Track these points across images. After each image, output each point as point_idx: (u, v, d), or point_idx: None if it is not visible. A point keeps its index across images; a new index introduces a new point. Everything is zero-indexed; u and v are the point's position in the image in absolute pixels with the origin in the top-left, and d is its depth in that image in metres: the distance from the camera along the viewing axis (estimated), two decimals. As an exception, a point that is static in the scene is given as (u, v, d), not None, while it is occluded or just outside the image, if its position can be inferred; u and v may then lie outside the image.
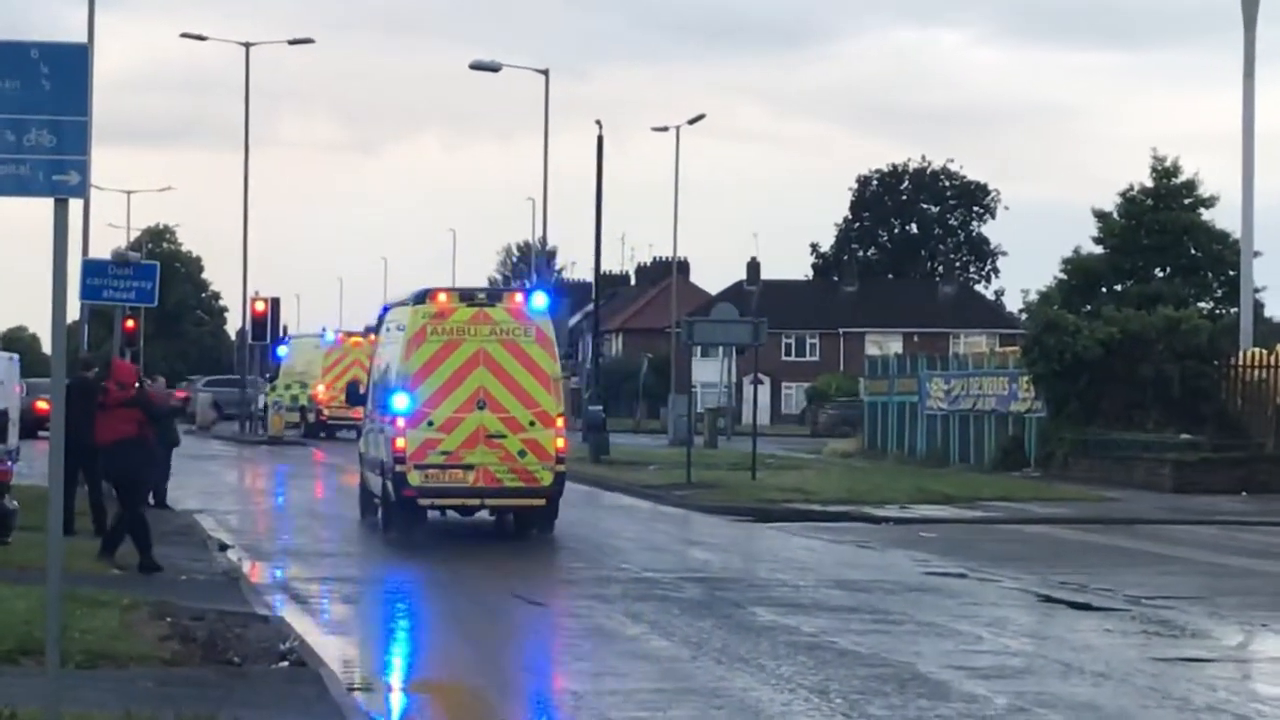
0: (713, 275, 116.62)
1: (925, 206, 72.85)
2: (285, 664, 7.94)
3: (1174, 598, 11.60)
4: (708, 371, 50.28)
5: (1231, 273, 33.33)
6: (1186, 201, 36.66)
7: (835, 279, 68.35)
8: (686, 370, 39.32)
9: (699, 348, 30.15)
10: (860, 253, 71.53)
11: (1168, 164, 36.67)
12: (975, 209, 72.95)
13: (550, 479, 14.65)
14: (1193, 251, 36.46)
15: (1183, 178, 36.74)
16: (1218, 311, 33.38)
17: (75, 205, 6.58)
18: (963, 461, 28.84)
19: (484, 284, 72.11)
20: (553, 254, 62.99)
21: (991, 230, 72.98)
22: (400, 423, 14.54)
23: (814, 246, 73.19)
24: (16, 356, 19.90)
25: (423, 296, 14.89)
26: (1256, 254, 29.41)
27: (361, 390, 17.40)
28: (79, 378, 13.25)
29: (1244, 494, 22.25)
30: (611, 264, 73.50)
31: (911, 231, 72.84)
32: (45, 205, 6.30)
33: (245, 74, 38.06)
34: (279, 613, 9.83)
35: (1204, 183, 36.92)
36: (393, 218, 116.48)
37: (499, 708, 7.73)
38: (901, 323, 62.51)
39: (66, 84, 6.22)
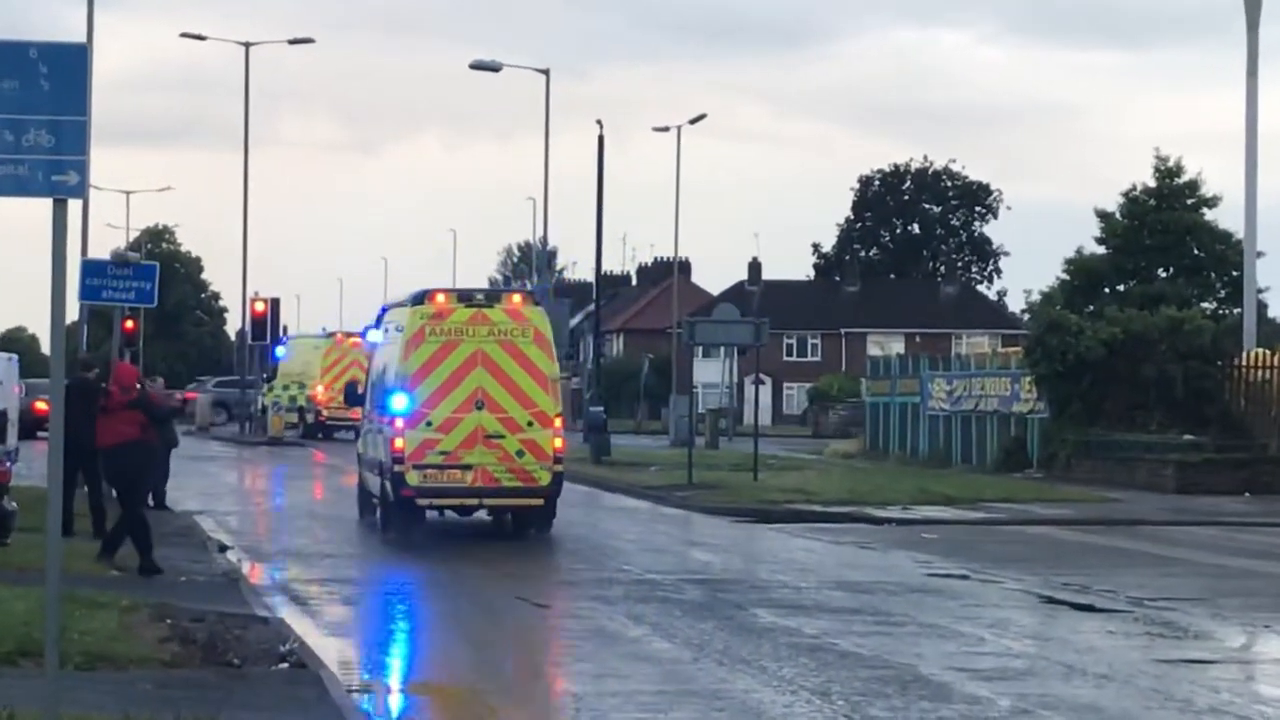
0: (714, 275, 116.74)
1: (927, 206, 72.81)
2: (285, 666, 7.92)
3: (1177, 599, 11.58)
4: (709, 372, 50.26)
5: (1235, 273, 33.26)
6: (1189, 201, 36.59)
7: (837, 279, 68.32)
8: (688, 371, 39.30)
9: (700, 348, 30.14)
10: (862, 253, 71.49)
11: (1170, 164, 36.60)
12: (977, 209, 72.91)
13: (548, 479, 14.72)
14: (1196, 252, 36.39)
15: (1186, 177, 36.67)
16: (1221, 312, 33.34)
17: (74, 205, 6.56)
18: (965, 462, 28.81)
19: (484, 284, 72.23)
20: (553, 254, 63.00)
21: (994, 230, 73.06)
22: (399, 423, 14.60)
23: (816, 246, 73.23)
24: (15, 357, 19.87)
25: (421, 297, 14.95)
26: (1260, 254, 29.35)
27: (360, 391, 17.43)
28: (79, 378, 13.23)
29: (1247, 495, 22.21)
30: (612, 264, 73.70)
31: (913, 231, 72.80)
32: (44, 205, 6.28)
33: (245, 74, 38.11)
34: (279, 614, 9.81)
35: (1207, 182, 36.87)
36: (393, 218, 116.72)
37: (500, 710, 7.71)
38: (903, 323, 62.47)
39: (65, 84, 6.21)
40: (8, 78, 6.19)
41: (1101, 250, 37.01)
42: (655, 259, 71.86)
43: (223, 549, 13.47)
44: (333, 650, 8.82)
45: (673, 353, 48.17)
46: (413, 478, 14.55)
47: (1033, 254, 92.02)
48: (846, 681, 8.06)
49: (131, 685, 7.18)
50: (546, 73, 34.03)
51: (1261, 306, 30.64)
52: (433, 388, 14.59)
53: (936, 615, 10.45)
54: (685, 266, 61.96)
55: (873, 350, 54.63)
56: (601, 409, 30.43)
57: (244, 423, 38.53)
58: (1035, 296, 38.84)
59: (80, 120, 6.23)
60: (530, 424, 14.63)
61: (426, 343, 14.67)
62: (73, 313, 18.72)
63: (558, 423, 14.88)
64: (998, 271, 72.74)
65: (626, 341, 68.45)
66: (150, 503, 14.16)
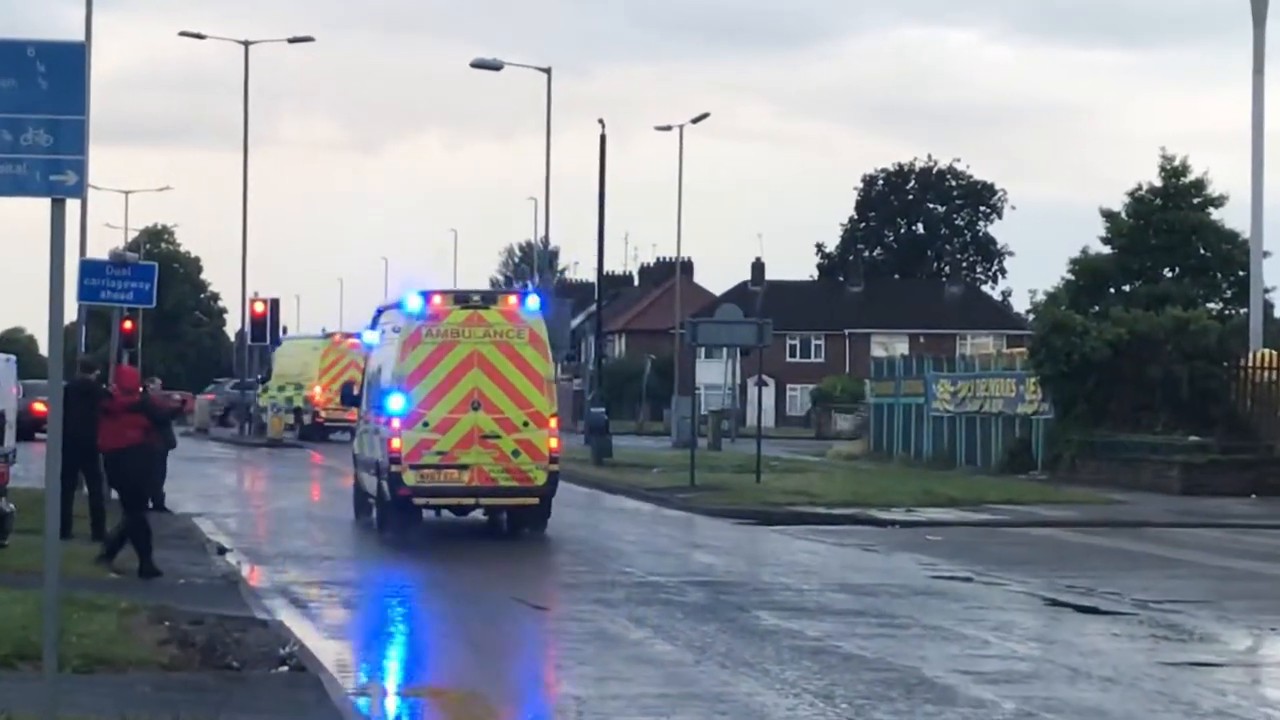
0: (717, 276, 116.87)
1: (931, 206, 72.75)
2: (285, 669, 7.89)
3: (1182, 601, 11.53)
4: (712, 373, 50.26)
5: (1241, 273, 33.22)
6: (1195, 201, 36.51)
7: (841, 279, 68.29)
8: (690, 372, 39.29)
9: (703, 349, 30.14)
10: (866, 253, 71.44)
11: (1176, 163, 36.53)
12: (982, 209, 72.84)
13: (544, 479, 14.89)
14: (1202, 251, 36.32)
15: (1191, 177, 36.60)
16: (1227, 312, 33.29)
17: (73, 205, 6.53)
18: (969, 464, 28.75)
19: (486, 284, 72.23)
20: (555, 254, 62.95)
21: (998, 230, 72.99)
22: (395, 423, 14.74)
23: (819, 247, 73.22)
24: (14, 358, 19.80)
25: (414, 297, 15.06)
26: (1266, 254, 29.31)
27: (356, 392, 17.49)
28: (80, 379, 13.20)
29: (1253, 496, 22.14)
30: (614, 264, 73.71)
31: (918, 231, 72.74)
32: (42, 205, 6.25)
33: (244, 73, 38.10)
34: (278, 617, 9.77)
35: (1213, 182, 36.82)
36: (393, 218, 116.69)
37: (500, 713, 7.67)
38: (907, 324, 62.41)
39: (64, 83, 6.19)
40: (5, 77, 6.17)
41: (1107, 250, 36.95)
42: (657, 259, 71.86)
43: (222, 551, 13.44)
44: (332, 653, 8.78)
45: (675, 354, 48.14)
46: (410, 477, 14.69)
47: (1038, 254, 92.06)
48: (850, 684, 8.01)
49: (130, 688, 7.15)
50: (548, 72, 34.03)
51: (1268, 306, 30.54)
52: (429, 388, 14.74)
53: (940, 618, 10.40)
54: (688, 267, 61.98)
55: (877, 351, 54.59)
56: (603, 410, 30.41)
57: (243, 424, 38.49)
58: (1040, 297, 38.74)
59: (79, 119, 6.20)
60: (526, 424, 14.78)
61: (423, 344, 14.81)
62: (71, 313, 18.72)
63: (553, 423, 15.02)
64: (1002, 272, 72.78)
65: (628, 342, 68.44)
66: (149, 505, 14.11)
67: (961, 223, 73.01)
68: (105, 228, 55.78)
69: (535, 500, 15.04)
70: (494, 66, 33.61)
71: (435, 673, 8.71)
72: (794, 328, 61.43)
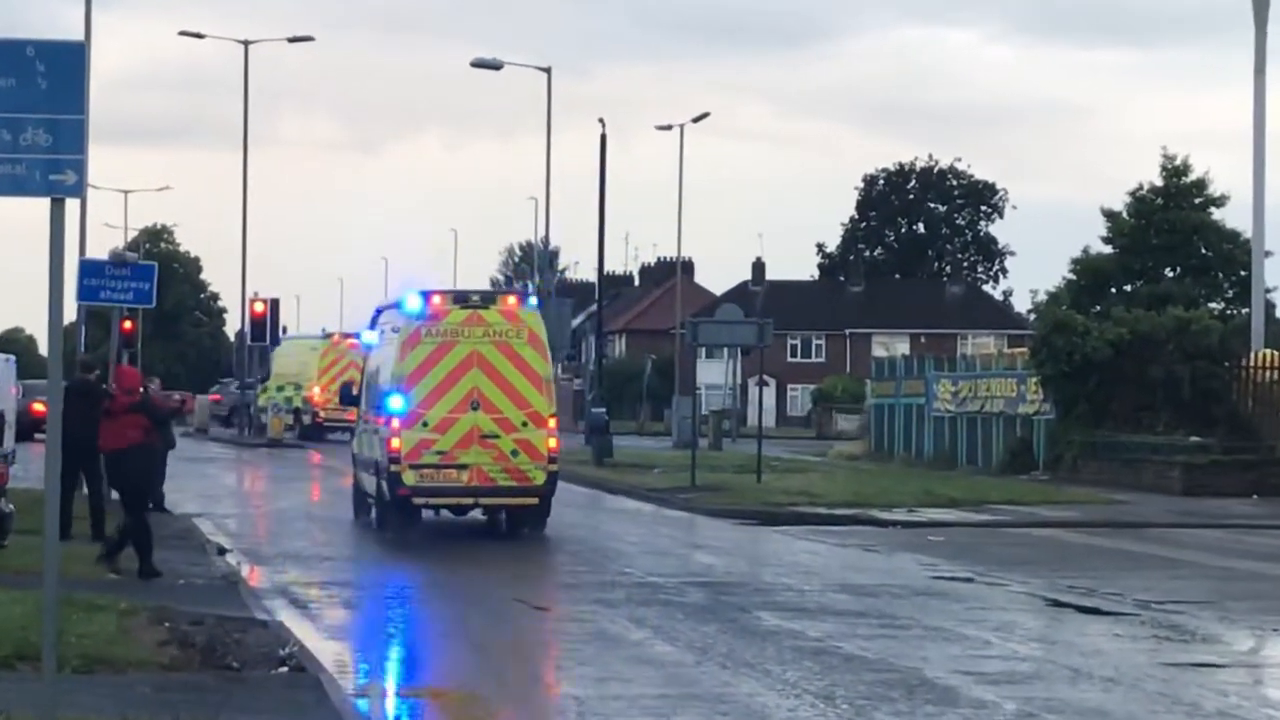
0: (717, 275, 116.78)
1: (932, 206, 72.73)
2: (285, 669, 7.88)
3: (1184, 602, 11.51)
4: (712, 373, 50.23)
5: (1243, 273, 33.20)
6: (1197, 201, 36.49)
7: (841, 279, 68.27)
8: (691, 372, 39.25)
9: (703, 349, 30.05)
10: (867, 253, 71.42)
11: (1177, 163, 36.51)
12: (983, 208, 72.82)
13: (543, 478, 14.95)
14: (1203, 251, 36.29)
15: (1193, 176, 36.58)
16: (1229, 312, 33.25)
17: (72, 205, 6.52)
18: (970, 464, 28.72)
19: (486, 284, 72.18)
20: (555, 254, 62.89)
21: (999, 230, 72.96)
22: (395, 423, 14.79)
23: (820, 246, 73.20)
24: (13, 358, 19.80)
25: (412, 297, 15.12)
26: (1268, 253, 29.29)
27: (355, 392, 17.53)
28: (80, 379, 13.18)
29: (1255, 497, 22.11)
30: (615, 264, 73.65)
31: (918, 231, 72.73)
32: (42, 205, 6.24)
33: (244, 72, 38.07)
34: (278, 618, 9.76)
35: (1214, 181, 36.80)
36: (393, 217, 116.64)
37: (500, 713, 7.65)
38: (908, 324, 62.39)
39: (63, 82, 6.18)
40: (5, 76, 6.17)
41: (1108, 250, 36.92)
42: (658, 259, 71.85)
43: (222, 552, 13.42)
44: (332, 654, 8.76)
45: (675, 354, 48.11)
46: (409, 477, 14.75)
47: (1039, 254, 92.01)
48: (851, 685, 8.00)
49: (130, 689, 7.14)
50: (548, 71, 34.01)
51: (1269, 306, 30.51)
52: (429, 388, 14.80)
53: (942, 618, 10.38)
54: (688, 266, 61.94)
55: (877, 351, 54.58)
56: (604, 410, 30.40)
57: (243, 425, 38.47)
58: (1041, 297, 38.73)
59: (78, 119, 6.20)
60: (525, 424, 14.83)
61: (422, 344, 14.88)
62: (70, 313, 18.71)
63: (552, 423, 15.08)
64: (1003, 271, 72.74)
65: (629, 342, 68.43)
66: (150, 505, 14.09)
67: (962, 222, 72.99)
68: (105, 227, 55.84)
69: (534, 500, 15.10)
70: (494, 66, 33.59)
71: (435, 673, 8.69)
72: (795, 328, 61.41)
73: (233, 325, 56.05)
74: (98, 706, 6.61)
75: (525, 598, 11.33)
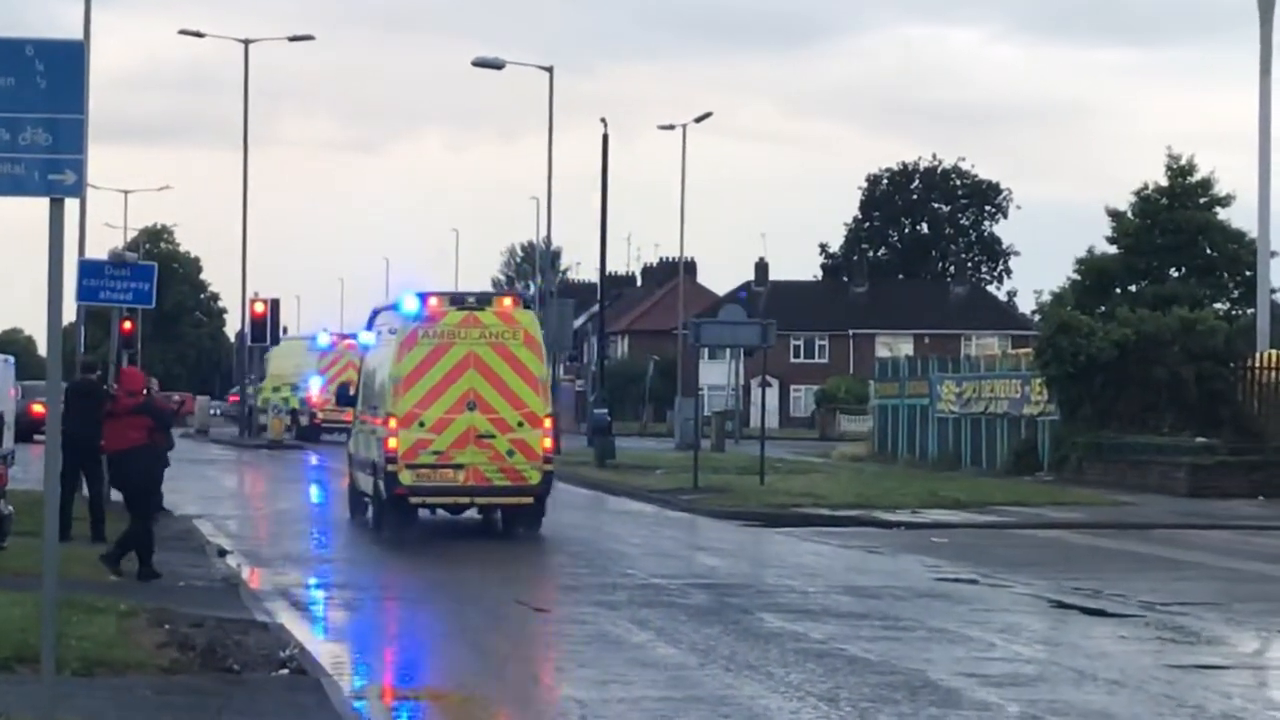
0: (720, 276, 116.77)
1: (936, 206, 72.69)
2: (285, 672, 7.85)
3: (1189, 604, 11.46)
4: (715, 374, 50.22)
5: (1248, 273, 33.04)
6: (1202, 200, 36.36)
7: (845, 280, 68.24)
8: (693, 373, 39.28)
9: (706, 350, 30.03)
10: (870, 253, 71.39)
11: (1183, 162, 36.39)
12: (987, 208, 72.76)
13: (538, 478, 15.05)
14: (1208, 251, 36.17)
15: (1198, 176, 36.45)
16: (1234, 312, 33.11)
17: (71, 205, 6.50)
18: (974, 465, 28.67)
19: (488, 285, 72.20)
20: (557, 254, 62.89)
21: (1003, 230, 72.94)
22: (392, 423, 14.88)
23: (823, 247, 73.18)
24: (12, 359, 19.78)
25: (409, 299, 15.26)
26: (1273, 254, 29.22)
27: (351, 392, 17.58)
28: (81, 379, 13.16)
29: (1260, 498, 22.04)
30: (617, 264, 73.69)
31: (922, 231, 72.68)
32: (41, 205, 6.22)
33: (244, 71, 38.05)
34: (278, 619, 9.73)
35: (1219, 181, 36.63)
36: (394, 217, 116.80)
37: (501, 715, 7.61)
38: (912, 324, 62.35)
39: (62, 81, 6.16)
40: (4, 75, 6.16)
41: (1113, 250, 36.81)
42: (660, 259, 71.86)
43: (222, 553, 13.40)
44: (332, 656, 8.73)
45: (678, 354, 48.09)
46: (406, 477, 14.87)
47: (1043, 254, 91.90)
48: (854, 687, 7.97)
49: (130, 691, 7.11)
50: (550, 70, 33.94)
51: (1275, 307, 30.38)
52: (426, 389, 14.91)
53: (946, 620, 10.34)
54: (691, 267, 61.87)
55: (881, 351, 54.54)
56: (606, 411, 30.36)
57: (242, 426, 38.48)
58: (1046, 297, 38.61)
59: (77, 118, 6.18)
60: (520, 424, 14.95)
61: (419, 345, 15.01)
62: (70, 314, 18.67)
63: (547, 423, 15.23)
64: (1007, 271, 72.68)
65: (631, 343, 68.43)
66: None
67: (966, 222, 72.92)
68: (104, 227, 55.88)
69: (530, 499, 15.20)
70: (496, 65, 33.55)
71: (435, 675, 8.65)
72: (798, 328, 61.39)
73: (233, 326, 56.10)
74: (97, 709, 6.59)
75: (526, 599, 11.30)
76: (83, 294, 13.78)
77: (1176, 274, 36.23)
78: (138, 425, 11.31)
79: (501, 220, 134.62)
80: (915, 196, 72.48)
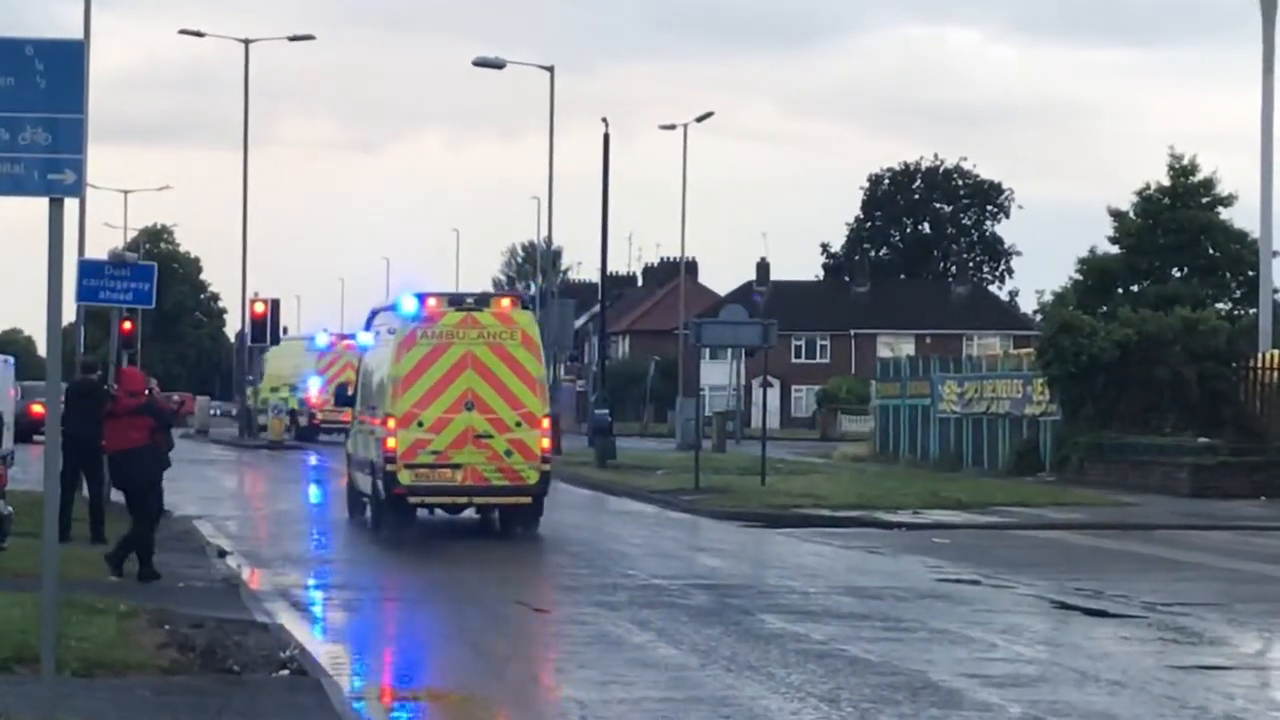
0: (721, 276, 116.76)
1: (938, 206, 72.66)
2: (285, 672, 7.84)
3: (1191, 604, 11.44)
4: (716, 374, 50.16)
5: (1250, 273, 33.01)
6: (1204, 200, 36.32)
7: (846, 280, 68.22)
8: (694, 373, 39.23)
9: (707, 350, 30.00)
10: (872, 253, 71.36)
11: (1185, 162, 36.34)
12: (989, 208, 72.73)
13: (536, 478, 15.11)
14: (1210, 251, 36.13)
15: (1200, 176, 36.41)
16: (1236, 312, 33.08)
17: (71, 205, 6.50)
18: (976, 466, 28.65)
19: (488, 285, 72.25)
20: (558, 254, 62.86)
21: (1005, 230, 72.89)
22: (391, 423, 14.94)
23: (824, 247, 73.14)
24: (11, 359, 19.80)
25: (408, 300, 15.33)
26: (1275, 254, 29.10)
27: (350, 393, 17.64)
28: (81, 379, 13.15)
29: (1263, 499, 22.02)
30: (618, 264, 73.66)
31: (924, 231, 72.65)
32: (40, 205, 6.21)
33: (244, 71, 38.11)
34: (279, 620, 9.72)
35: (1222, 181, 36.58)
36: (394, 217, 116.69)
37: (501, 716, 7.60)
38: (914, 324, 62.32)
39: (62, 81, 6.15)
40: (4, 75, 6.16)
41: (1115, 250, 36.77)
42: (662, 259, 71.84)
43: (222, 554, 13.39)
44: (332, 656, 8.72)
45: (679, 354, 48.11)
46: (405, 477, 14.94)
47: (1045, 254, 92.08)
48: (855, 688, 7.95)
49: (130, 692, 7.10)
50: (551, 70, 33.94)
51: (1277, 307, 30.28)
52: (424, 389, 14.98)
53: (947, 621, 10.33)
54: (692, 267, 61.85)
55: (882, 352, 54.49)
56: (607, 412, 30.34)
57: (242, 426, 38.49)
58: (1047, 297, 38.56)
59: (77, 118, 6.17)
60: (518, 424, 15.02)
61: (418, 345, 15.08)
62: (69, 314, 18.64)
63: (545, 423, 15.30)
64: (1009, 271, 72.63)
65: (632, 343, 68.44)
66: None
67: (968, 222, 72.89)
68: (104, 227, 55.86)
69: (527, 499, 15.26)
70: (496, 65, 33.54)
71: (436, 675, 8.64)
72: (799, 328, 61.35)
73: (233, 326, 56.14)
74: (97, 710, 6.58)
75: (526, 600, 11.29)
76: (82, 294, 13.77)
77: (1178, 274, 36.19)
78: (139, 425, 11.31)
79: (502, 220, 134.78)
80: (917, 196, 72.44)
